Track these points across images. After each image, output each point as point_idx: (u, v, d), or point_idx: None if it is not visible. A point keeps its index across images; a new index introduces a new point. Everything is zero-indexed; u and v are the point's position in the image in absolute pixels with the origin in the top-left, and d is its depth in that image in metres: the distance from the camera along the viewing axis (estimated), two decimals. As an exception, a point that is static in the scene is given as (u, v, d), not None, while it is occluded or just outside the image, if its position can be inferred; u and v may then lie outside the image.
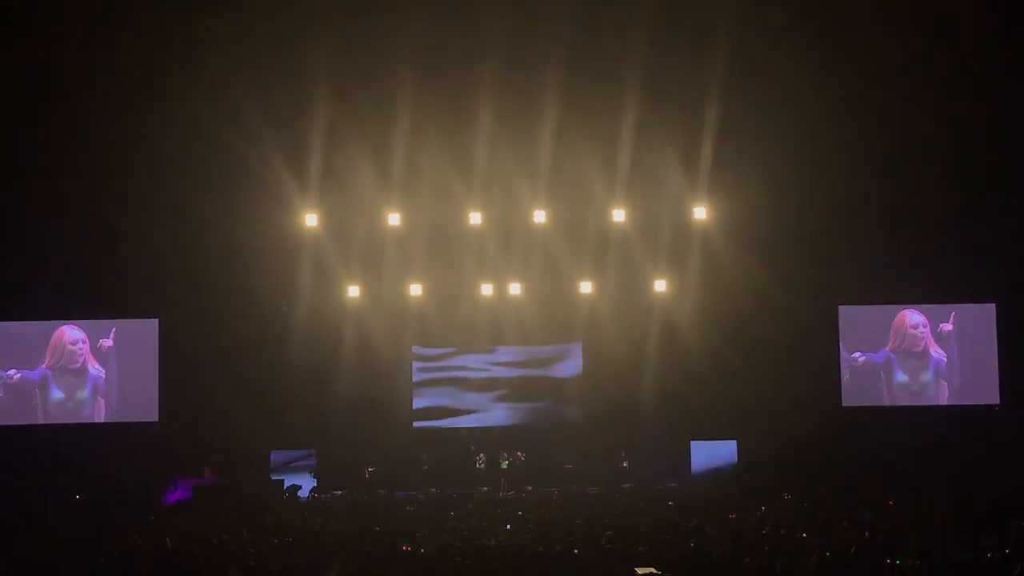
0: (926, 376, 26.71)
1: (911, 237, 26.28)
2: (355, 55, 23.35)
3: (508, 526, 17.29)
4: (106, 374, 25.89)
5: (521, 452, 26.52)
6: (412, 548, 14.79)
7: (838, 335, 26.74)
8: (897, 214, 26.21)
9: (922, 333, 26.69)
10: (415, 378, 27.40)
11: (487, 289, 26.58)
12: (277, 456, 26.02)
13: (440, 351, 27.48)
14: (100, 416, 25.86)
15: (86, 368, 25.87)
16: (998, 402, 26.39)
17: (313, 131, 24.45)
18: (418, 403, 27.37)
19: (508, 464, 26.35)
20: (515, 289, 26.56)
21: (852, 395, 26.59)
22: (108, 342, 25.85)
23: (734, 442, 26.25)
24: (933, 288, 26.76)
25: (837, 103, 24.49)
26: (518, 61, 23.49)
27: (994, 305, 26.69)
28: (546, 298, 26.98)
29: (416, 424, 27.35)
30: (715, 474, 25.62)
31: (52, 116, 24.04)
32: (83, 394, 25.83)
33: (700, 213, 26.00)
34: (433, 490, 24.39)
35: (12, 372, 25.65)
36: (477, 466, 26.33)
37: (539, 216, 26.05)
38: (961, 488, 19.82)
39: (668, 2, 22.98)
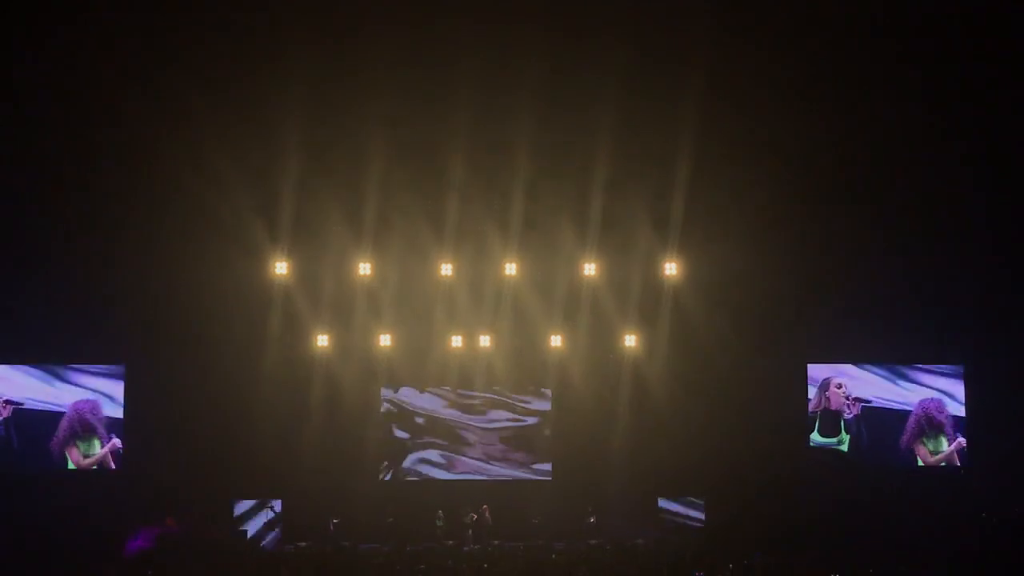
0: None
1: (881, 297, 26.36)
2: (326, 106, 23.43)
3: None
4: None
5: (485, 507, 26.29)
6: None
7: (806, 393, 26.79)
8: (868, 274, 26.30)
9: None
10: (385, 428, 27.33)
11: (457, 340, 26.52)
12: (240, 506, 25.71)
13: (408, 398, 27.40)
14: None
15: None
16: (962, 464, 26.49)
17: (284, 180, 24.44)
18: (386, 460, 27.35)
19: (471, 520, 26.13)
20: (485, 341, 26.52)
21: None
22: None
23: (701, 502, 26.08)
24: (902, 349, 26.87)
25: (808, 162, 24.68)
26: (490, 115, 23.61)
27: (962, 367, 26.82)
28: (516, 351, 26.97)
29: (383, 476, 27.18)
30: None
31: (24, 160, 23.95)
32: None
33: (671, 269, 26.06)
34: (397, 544, 24.19)
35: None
36: (437, 523, 26.07)
37: (510, 268, 26.06)
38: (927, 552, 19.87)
39: (640, 59, 23.15)
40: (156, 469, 25.23)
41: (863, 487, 25.70)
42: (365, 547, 23.88)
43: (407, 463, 27.29)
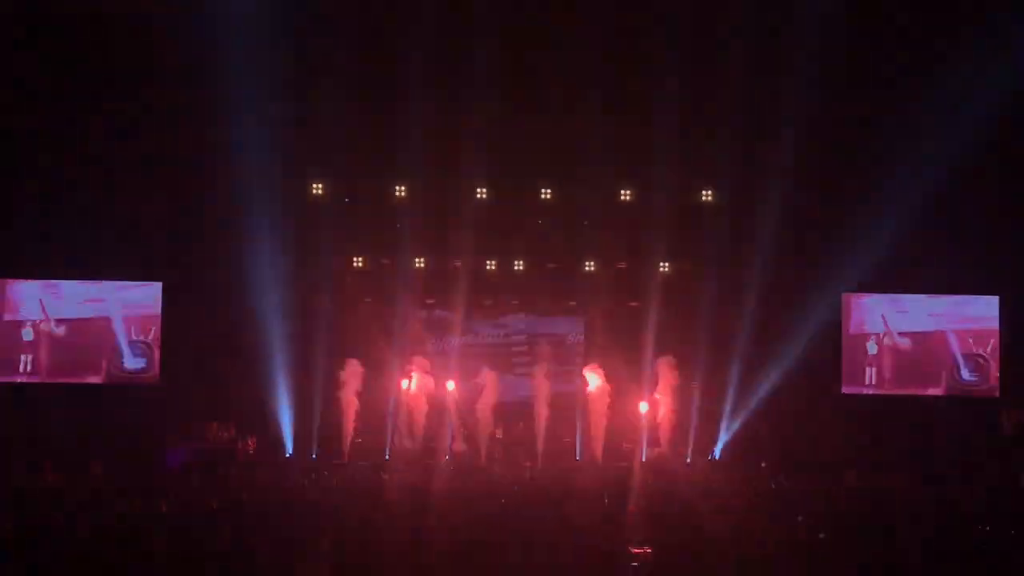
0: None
1: (918, 226, 26.03)
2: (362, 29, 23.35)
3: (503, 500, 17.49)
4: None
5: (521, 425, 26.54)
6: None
7: (840, 322, 26.72)
8: (907, 203, 25.99)
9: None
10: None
11: (491, 264, 26.61)
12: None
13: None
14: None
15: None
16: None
17: (321, 101, 24.36)
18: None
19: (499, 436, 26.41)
20: (519, 265, 26.59)
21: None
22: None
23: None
24: (938, 278, 26.68)
25: (843, 88, 24.26)
26: (521, 42, 23.44)
27: (998, 298, 26.65)
28: (550, 274, 27.02)
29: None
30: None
31: (62, 79, 24.04)
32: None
33: (707, 195, 25.85)
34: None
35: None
36: (497, 436, 26.30)
37: (545, 192, 25.98)
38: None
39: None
40: (195, 384, 25.52)
41: (895, 416, 25.71)
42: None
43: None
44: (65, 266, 26.08)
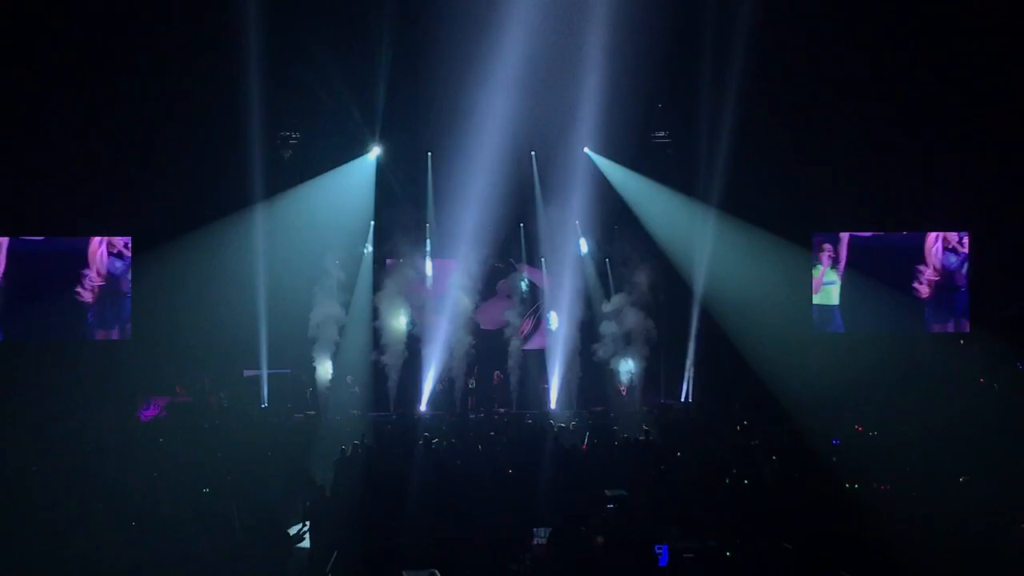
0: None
1: (886, 164, 26.08)
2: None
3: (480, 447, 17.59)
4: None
5: (498, 373, 26.64)
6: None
7: (811, 262, 26.83)
8: (872, 140, 25.99)
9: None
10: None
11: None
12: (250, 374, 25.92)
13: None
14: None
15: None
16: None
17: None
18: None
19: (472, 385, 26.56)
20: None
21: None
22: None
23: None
24: (908, 216, 26.77)
25: (808, 27, 24.09)
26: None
27: (968, 234, 26.78)
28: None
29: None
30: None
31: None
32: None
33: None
34: (403, 411, 24.66)
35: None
36: (470, 386, 26.41)
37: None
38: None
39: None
40: (165, 340, 25.35)
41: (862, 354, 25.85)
42: (374, 415, 24.34)
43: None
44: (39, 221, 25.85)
